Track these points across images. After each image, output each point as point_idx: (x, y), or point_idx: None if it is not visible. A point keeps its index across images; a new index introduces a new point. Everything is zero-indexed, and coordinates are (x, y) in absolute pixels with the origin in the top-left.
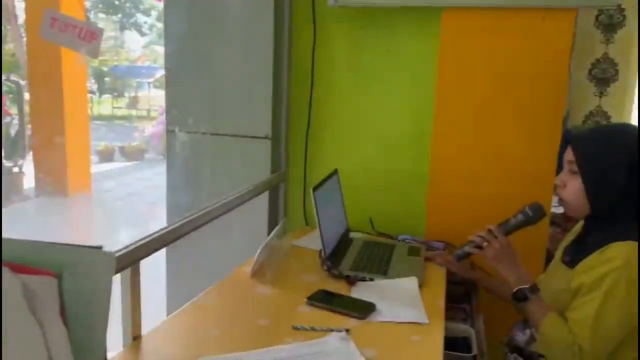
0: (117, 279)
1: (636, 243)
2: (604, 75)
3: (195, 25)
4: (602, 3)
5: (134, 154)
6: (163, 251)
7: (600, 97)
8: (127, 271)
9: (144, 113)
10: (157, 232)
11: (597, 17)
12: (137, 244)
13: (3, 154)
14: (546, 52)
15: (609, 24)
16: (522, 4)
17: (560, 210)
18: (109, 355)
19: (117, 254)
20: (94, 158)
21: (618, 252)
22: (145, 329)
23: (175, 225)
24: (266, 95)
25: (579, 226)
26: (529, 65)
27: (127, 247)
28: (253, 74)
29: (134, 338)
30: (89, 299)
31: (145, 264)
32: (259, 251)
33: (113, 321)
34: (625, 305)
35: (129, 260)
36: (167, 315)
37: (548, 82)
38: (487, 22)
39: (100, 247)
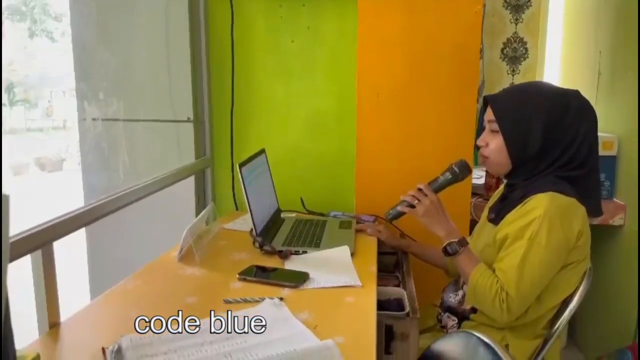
0: (27, 261)
1: (554, 193)
2: (515, 54)
3: (103, 10)
4: None
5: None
6: None
7: (512, 75)
8: (38, 253)
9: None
10: (70, 212)
11: None
12: (48, 224)
13: None
14: (458, 28)
15: (517, 4)
16: None
17: (481, 181)
18: (23, 344)
19: (24, 234)
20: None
21: (538, 203)
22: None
23: (91, 205)
24: (185, 77)
25: (502, 187)
26: (443, 42)
27: (35, 226)
28: (170, 57)
29: (51, 326)
30: None
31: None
32: (184, 233)
33: (28, 307)
34: (547, 251)
35: (39, 241)
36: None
37: (462, 57)
38: (402, 0)
39: None
